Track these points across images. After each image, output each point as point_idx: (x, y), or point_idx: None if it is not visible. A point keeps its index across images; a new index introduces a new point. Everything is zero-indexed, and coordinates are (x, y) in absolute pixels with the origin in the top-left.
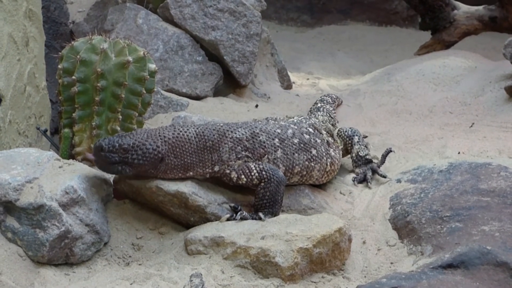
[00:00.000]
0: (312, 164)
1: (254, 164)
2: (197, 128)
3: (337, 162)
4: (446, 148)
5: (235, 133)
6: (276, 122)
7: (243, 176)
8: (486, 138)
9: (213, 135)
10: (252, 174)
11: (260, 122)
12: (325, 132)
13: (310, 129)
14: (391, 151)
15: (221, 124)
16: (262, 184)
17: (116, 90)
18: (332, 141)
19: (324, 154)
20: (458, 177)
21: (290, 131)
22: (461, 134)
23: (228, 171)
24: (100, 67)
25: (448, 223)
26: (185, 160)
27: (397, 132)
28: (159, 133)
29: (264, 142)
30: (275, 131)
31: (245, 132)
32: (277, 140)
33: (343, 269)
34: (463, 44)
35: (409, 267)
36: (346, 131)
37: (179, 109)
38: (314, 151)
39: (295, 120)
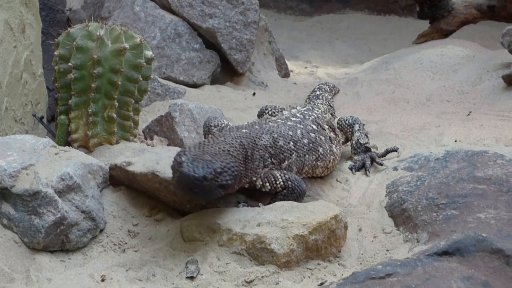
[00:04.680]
0: (319, 163)
1: (279, 172)
2: (235, 140)
3: (338, 158)
4: (443, 136)
5: (262, 140)
6: (280, 116)
7: (267, 184)
8: (483, 126)
9: (249, 144)
10: (277, 182)
11: (269, 122)
12: (327, 127)
13: (314, 126)
14: (396, 150)
15: (246, 131)
16: (284, 191)
17: (112, 77)
18: (334, 136)
19: (328, 151)
20: (454, 165)
21: (299, 131)
22: (458, 123)
23: (254, 179)
24: (97, 53)
25: (444, 211)
26: (241, 172)
27: (394, 120)
28: (220, 148)
29: (283, 147)
30: (288, 133)
31: (268, 138)
32: (292, 143)
33: (339, 256)
34: (461, 33)
35: (405, 254)
36: (346, 120)
37: (176, 97)
38: (320, 149)
39: (298, 114)
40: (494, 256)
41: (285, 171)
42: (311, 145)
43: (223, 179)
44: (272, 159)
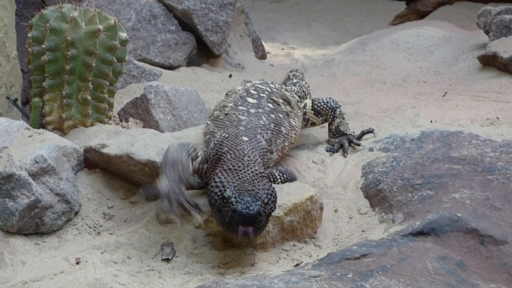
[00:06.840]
0: (285, 144)
1: (277, 172)
2: (254, 154)
3: (299, 131)
4: (419, 117)
5: (261, 143)
6: (235, 97)
7: None
8: (458, 107)
9: (260, 152)
10: (277, 182)
11: (239, 115)
12: (281, 101)
13: (270, 105)
14: (371, 131)
15: (247, 139)
16: None
17: (86, 59)
18: (290, 109)
19: (289, 128)
20: (429, 146)
21: (264, 118)
22: (434, 103)
23: None
24: (70, 35)
25: (419, 191)
26: None
27: (370, 101)
28: (253, 171)
29: (269, 139)
30: (262, 123)
31: (260, 138)
32: (269, 132)
33: (314, 237)
34: (437, 14)
35: (380, 234)
36: (328, 102)
37: (152, 79)
38: (283, 129)
39: (252, 90)
40: (469, 236)
41: (280, 168)
42: (276, 128)
43: (268, 208)
44: (271, 155)
